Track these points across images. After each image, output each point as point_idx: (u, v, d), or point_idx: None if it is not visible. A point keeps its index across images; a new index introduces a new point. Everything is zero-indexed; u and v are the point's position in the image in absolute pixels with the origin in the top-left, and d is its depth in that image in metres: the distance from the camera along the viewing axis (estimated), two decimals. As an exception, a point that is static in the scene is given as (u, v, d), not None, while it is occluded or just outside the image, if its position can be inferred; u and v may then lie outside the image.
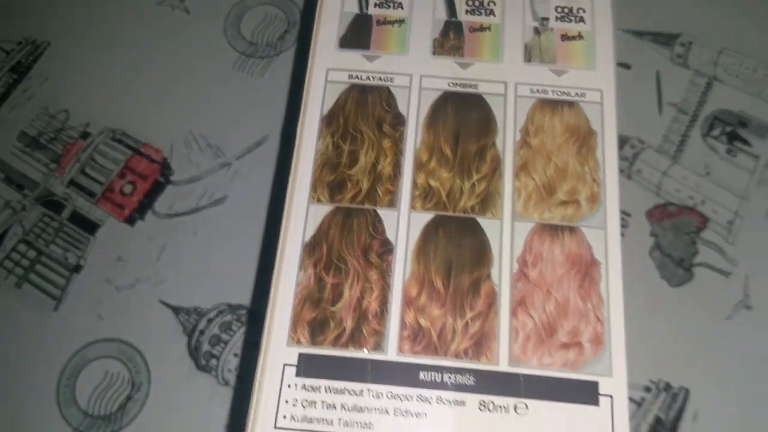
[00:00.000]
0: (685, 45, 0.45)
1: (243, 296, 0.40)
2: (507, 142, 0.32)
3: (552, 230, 0.31)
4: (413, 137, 0.33)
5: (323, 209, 0.31)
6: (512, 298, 0.29)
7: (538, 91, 0.34)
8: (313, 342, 0.29)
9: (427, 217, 0.31)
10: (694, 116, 0.43)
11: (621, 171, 0.41)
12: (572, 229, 0.31)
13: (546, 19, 0.35)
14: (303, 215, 0.31)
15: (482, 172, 0.32)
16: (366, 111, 0.33)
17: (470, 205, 0.31)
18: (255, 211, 0.42)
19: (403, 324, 0.29)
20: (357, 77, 0.34)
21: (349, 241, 0.31)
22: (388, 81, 0.34)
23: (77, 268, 0.41)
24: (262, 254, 0.40)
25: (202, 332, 0.39)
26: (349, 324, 0.29)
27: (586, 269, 0.30)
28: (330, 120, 0.33)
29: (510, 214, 0.31)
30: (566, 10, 0.36)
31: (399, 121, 0.33)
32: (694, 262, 0.40)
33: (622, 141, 0.42)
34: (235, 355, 0.38)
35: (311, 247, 0.30)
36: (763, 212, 0.41)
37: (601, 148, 0.32)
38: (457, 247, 0.30)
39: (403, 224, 0.31)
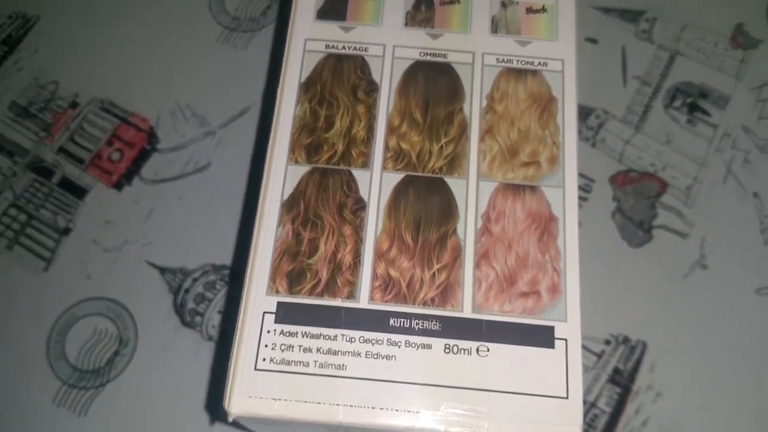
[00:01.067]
0: (649, 21, 0.47)
1: (226, 257, 0.41)
2: (474, 107, 0.34)
3: (514, 189, 0.33)
4: (386, 103, 0.34)
5: (301, 170, 0.33)
6: (476, 251, 0.32)
7: (503, 60, 0.35)
8: (291, 291, 0.31)
9: (398, 177, 0.33)
10: (657, 88, 0.45)
11: (586, 140, 0.44)
12: (533, 188, 0.33)
13: (512, -8, 0.37)
14: (282, 175, 0.33)
15: (450, 135, 0.34)
16: (342, 78, 0.35)
17: (438, 166, 0.33)
18: (237, 177, 0.43)
19: (374, 275, 0.31)
20: (333, 47, 0.36)
21: (325, 199, 0.32)
22: (362, 50, 0.36)
23: (66, 231, 0.42)
24: (243, 217, 0.42)
25: (187, 291, 0.41)
26: (324, 275, 0.31)
27: (545, 225, 0.32)
28: (308, 87, 0.35)
29: (475, 174, 0.33)
30: (532, -15, 0.37)
31: (372, 88, 0.35)
32: (653, 225, 0.42)
33: (588, 111, 0.44)
34: (219, 312, 0.40)
35: (289, 205, 0.32)
36: (720, 178, 0.43)
37: (562, 113, 0.34)
38: (425, 204, 0.32)
39: (376, 183, 0.33)
